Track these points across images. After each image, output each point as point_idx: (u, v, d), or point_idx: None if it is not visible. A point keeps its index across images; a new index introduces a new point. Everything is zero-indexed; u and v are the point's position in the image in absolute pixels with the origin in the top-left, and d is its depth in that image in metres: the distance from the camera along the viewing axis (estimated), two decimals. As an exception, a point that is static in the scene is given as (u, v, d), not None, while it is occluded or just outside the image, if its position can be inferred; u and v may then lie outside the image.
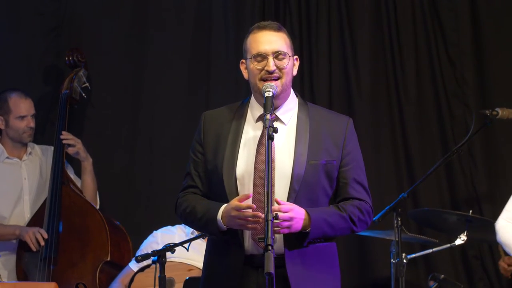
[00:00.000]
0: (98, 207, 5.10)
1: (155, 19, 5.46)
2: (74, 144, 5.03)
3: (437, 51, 5.29)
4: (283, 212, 2.95)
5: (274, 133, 2.96)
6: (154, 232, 4.74)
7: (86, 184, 5.08)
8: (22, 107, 4.96)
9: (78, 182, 5.09)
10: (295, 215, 2.99)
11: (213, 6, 5.43)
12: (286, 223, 2.97)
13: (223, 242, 3.14)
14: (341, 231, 3.13)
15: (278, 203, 2.97)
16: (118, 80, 5.44)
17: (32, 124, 5.00)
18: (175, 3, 5.46)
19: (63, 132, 5.04)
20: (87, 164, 5.08)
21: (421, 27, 5.32)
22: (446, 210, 4.85)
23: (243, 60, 3.21)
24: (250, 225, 2.99)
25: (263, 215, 2.91)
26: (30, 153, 5.06)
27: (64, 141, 5.02)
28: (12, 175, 4.98)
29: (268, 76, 3.12)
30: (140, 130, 5.43)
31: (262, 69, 3.13)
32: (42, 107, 5.30)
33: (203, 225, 3.14)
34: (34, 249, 4.76)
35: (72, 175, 5.09)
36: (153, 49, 5.45)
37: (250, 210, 2.97)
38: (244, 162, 3.13)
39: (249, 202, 3.02)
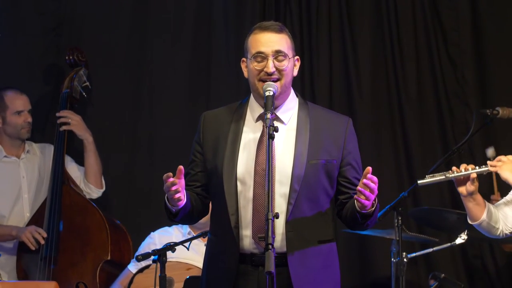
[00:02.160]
0: (103, 189, 5.08)
1: (156, 19, 5.46)
2: (68, 122, 5.02)
3: (438, 50, 5.30)
4: (375, 183, 2.95)
5: (274, 132, 2.96)
6: (152, 233, 4.74)
7: (88, 164, 5.05)
8: (18, 103, 4.95)
9: (81, 171, 5.07)
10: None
11: (213, 6, 5.43)
12: (373, 196, 2.98)
13: (220, 242, 3.16)
14: (375, 220, 3.15)
15: (368, 172, 2.95)
16: (118, 79, 5.44)
17: (30, 119, 4.98)
18: (175, 3, 5.46)
19: (60, 112, 5.04)
20: (87, 143, 5.05)
21: (421, 26, 5.32)
22: (446, 209, 4.85)
23: (244, 59, 3.22)
24: (173, 195, 3.01)
25: (175, 179, 2.96)
26: (28, 151, 5.05)
27: (58, 120, 5.02)
28: (11, 174, 4.98)
29: (267, 77, 3.13)
30: (140, 130, 5.43)
31: (262, 70, 3.13)
32: (43, 106, 5.30)
33: (165, 212, 3.18)
34: (33, 248, 4.74)
35: (74, 164, 5.08)
36: (154, 49, 5.45)
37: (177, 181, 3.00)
38: (244, 162, 3.14)
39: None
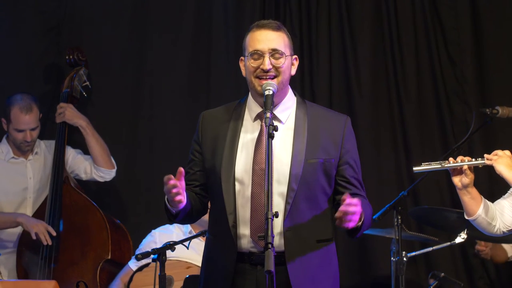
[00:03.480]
0: (115, 168, 5.08)
1: (156, 18, 5.46)
2: (62, 112, 5.04)
3: (437, 49, 5.30)
4: (355, 206, 2.93)
5: (274, 132, 2.96)
6: (153, 231, 4.74)
7: (90, 148, 5.03)
8: (20, 122, 4.89)
9: (89, 160, 5.06)
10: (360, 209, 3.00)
11: (213, 6, 5.43)
12: (357, 217, 2.97)
13: (218, 241, 3.16)
14: (368, 227, 3.16)
15: (345, 198, 2.94)
16: (119, 79, 5.44)
17: (29, 138, 4.91)
18: (175, 3, 5.46)
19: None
20: (82, 129, 5.04)
21: (421, 25, 5.32)
22: (446, 208, 4.85)
23: (242, 57, 3.22)
24: (174, 197, 3.00)
25: (176, 182, 2.95)
26: (36, 153, 5.05)
27: (56, 115, 5.04)
28: (18, 175, 4.98)
29: (264, 75, 3.13)
30: (141, 129, 5.43)
31: (258, 67, 3.13)
32: (43, 106, 5.29)
33: (165, 213, 3.18)
34: (45, 243, 4.71)
35: (80, 156, 5.08)
36: (154, 48, 5.45)
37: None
38: (243, 161, 3.14)
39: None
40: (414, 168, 3.57)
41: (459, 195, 3.56)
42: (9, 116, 4.91)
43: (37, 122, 4.95)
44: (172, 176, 2.99)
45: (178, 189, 2.99)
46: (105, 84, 5.43)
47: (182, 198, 3.03)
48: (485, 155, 3.53)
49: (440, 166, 3.51)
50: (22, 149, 4.98)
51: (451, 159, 3.52)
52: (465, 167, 3.49)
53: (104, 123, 5.37)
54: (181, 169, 3.01)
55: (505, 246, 5.00)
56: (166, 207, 3.14)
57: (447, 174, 5.16)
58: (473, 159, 3.51)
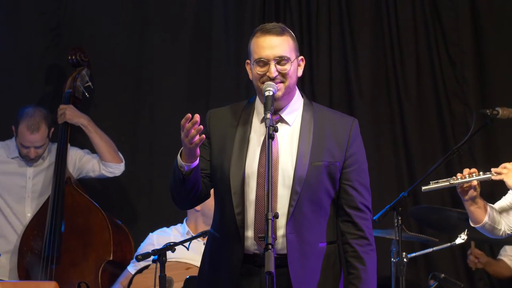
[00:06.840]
0: (123, 162, 5.09)
1: (156, 19, 5.46)
2: (62, 113, 5.05)
3: (438, 50, 5.30)
4: None
5: (274, 132, 2.94)
6: (150, 234, 4.74)
7: (95, 145, 5.05)
8: (25, 139, 4.90)
9: (96, 157, 5.07)
10: None
11: (213, 6, 5.43)
12: None
13: (224, 240, 3.15)
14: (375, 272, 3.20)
15: None
16: (119, 80, 5.44)
17: (32, 155, 4.92)
18: (175, 3, 5.47)
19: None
20: (84, 128, 5.05)
21: (421, 26, 5.32)
22: (446, 207, 4.85)
23: (248, 61, 3.20)
24: (189, 135, 2.92)
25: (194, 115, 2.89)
26: (42, 158, 5.05)
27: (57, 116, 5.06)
28: (18, 174, 4.99)
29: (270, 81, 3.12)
30: (142, 130, 5.44)
31: (264, 74, 3.10)
32: (44, 107, 5.31)
33: (172, 178, 3.14)
34: None
35: (88, 155, 5.09)
36: (154, 48, 5.45)
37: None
38: (249, 163, 3.12)
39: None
40: (423, 188, 3.57)
41: (465, 205, 3.55)
42: (17, 130, 4.91)
43: (43, 140, 4.95)
44: (191, 115, 2.92)
45: (198, 128, 2.90)
46: (105, 85, 5.43)
47: (199, 140, 2.94)
48: (493, 169, 3.50)
49: (448, 183, 3.50)
50: (26, 159, 4.99)
51: (459, 174, 3.50)
52: (474, 182, 3.47)
53: (105, 124, 5.37)
54: (197, 115, 2.93)
55: (509, 263, 5.02)
56: (174, 170, 3.07)
57: (447, 175, 5.18)
58: (481, 173, 3.49)
